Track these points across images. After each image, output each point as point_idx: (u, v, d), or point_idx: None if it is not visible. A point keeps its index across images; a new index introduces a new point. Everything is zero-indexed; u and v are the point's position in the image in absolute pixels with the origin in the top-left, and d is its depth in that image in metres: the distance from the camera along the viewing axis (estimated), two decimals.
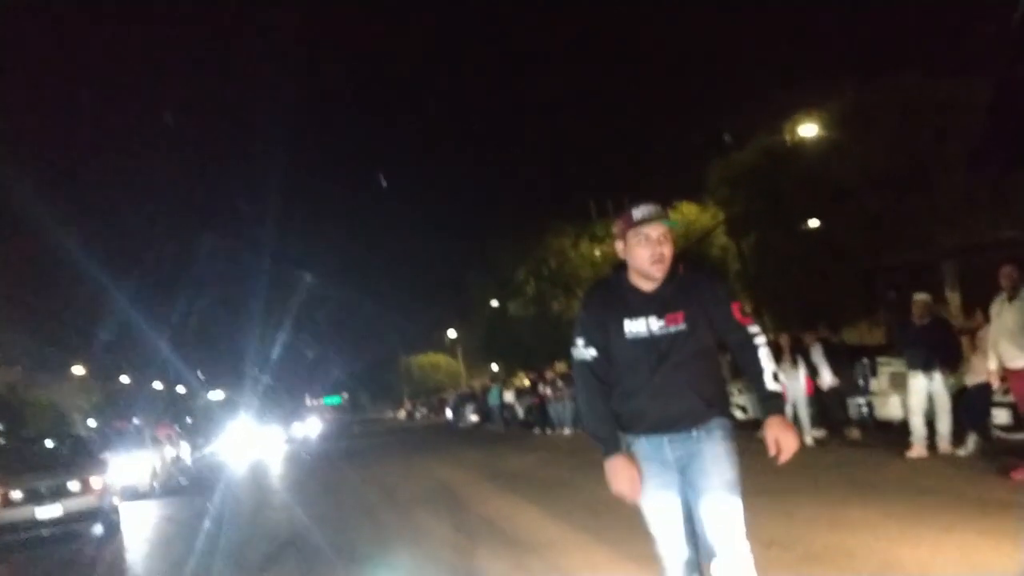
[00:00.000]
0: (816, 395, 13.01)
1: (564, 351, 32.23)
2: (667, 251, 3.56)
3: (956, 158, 20.30)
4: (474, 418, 37.41)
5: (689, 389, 3.55)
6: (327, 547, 8.85)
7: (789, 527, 7.01)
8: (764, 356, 3.56)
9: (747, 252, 26.94)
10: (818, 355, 12.93)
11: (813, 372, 12.91)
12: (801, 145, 23.82)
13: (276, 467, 24.10)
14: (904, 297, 11.98)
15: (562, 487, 11.50)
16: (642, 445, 3.62)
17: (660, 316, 3.55)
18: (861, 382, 13.18)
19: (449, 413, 45.82)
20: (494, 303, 44.29)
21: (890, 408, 12.19)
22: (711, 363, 3.67)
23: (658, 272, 3.55)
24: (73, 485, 11.71)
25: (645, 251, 3.55)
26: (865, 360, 13.30)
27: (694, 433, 3.56)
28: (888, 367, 12.41)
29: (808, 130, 23.20)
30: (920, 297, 10.24)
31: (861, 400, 13.13)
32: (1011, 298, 8.42)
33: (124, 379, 47.97)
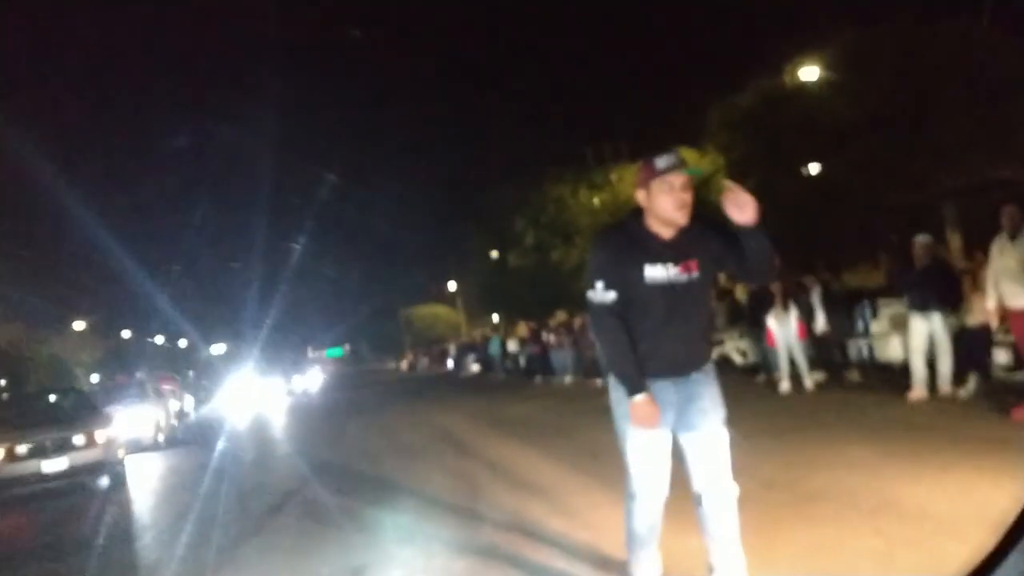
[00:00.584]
0: (813, 339, 13.05)
1: (564, 300, 32.47)
2: (689, 198, 3.70)
3: (957, 98, 20.12)
4: (475, 368, 37.59)
5: (699, 335, 3.86)
6: (330, 495, 8.93)
7: (789, 467, 7.06)
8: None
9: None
10: (816, 299, 12.94)
11: (810, 315, 12.91)
12: (801, 88, 23.61)
13: (278, 419, 24.26)
14: (904, 239, 11.96)
15: (563, 433, 11.57)
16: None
17: (676, 263, 3.70)
18: (861, 324, 13.20)
19: (450, 363, 46.05)
20: (493, 254, 44.22)
21: (891, 350, 12.22)
22: (710, 309, 4.18)
23: (683, 218, 3.69)
24: (78, 439, 11.78)
25: (669, 199, 3.67)
26: (866, 302, 13.31)
27: (694, 376, 3.80)
28: (889, 308, 12.42)
29: (808, 73, 22.98)
30: (921, 239, 10.20)
31: (862, 342, 13.16)
32: (1013, 237, 8.39)
33: (125, 334, 48.14)
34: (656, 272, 3.69)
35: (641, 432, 3.79)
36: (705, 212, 3.84)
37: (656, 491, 3.88)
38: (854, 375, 12.63)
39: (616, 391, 3.88)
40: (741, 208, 3.50)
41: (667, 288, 3.70)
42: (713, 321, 3.89)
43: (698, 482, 3.85)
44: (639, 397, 3.71)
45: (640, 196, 3.78)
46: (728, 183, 3.55)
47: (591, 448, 8.93)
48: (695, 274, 3.73)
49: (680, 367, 3.79)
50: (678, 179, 3.67)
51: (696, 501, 3.90)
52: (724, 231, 3.67)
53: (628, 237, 3.77)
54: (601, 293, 3.72)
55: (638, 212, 3.80)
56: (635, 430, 3.80)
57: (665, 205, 3.68)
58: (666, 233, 3.74)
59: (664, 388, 3.78)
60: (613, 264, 3.72)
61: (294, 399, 36.47)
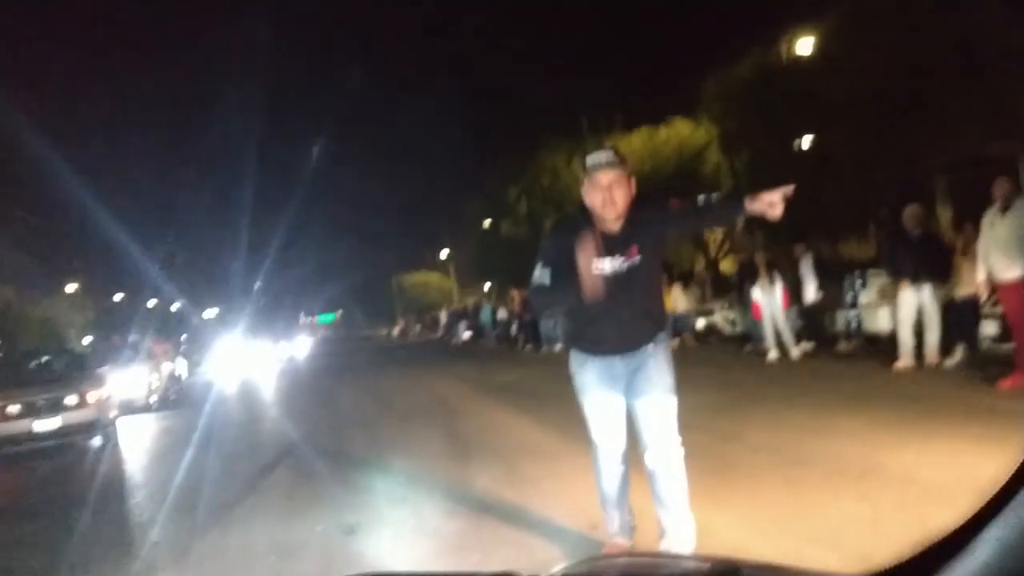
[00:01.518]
0: (801, 308, 13.17)
1: None
2: (619, 195, 3.87)
3: (953, 71, 20.08)
4: (467, 335, 37.68)
5: (644, 316, 4.07)
6: (322, 456, 9.00)
7: (776, 433, 7.15)
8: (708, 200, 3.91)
9: (740, 169, 26.82)
10: (807, 267, 13.04)
11: (798, 285, 13.02)
12: (797, 60, 23.55)
13: (270, 382, 24.32)
14: (895, 213, 12.00)
15: (552, 399, 11.59)
16: (595, 364, 4.13)
17: (620, 254, 3.93)
18: (850, 295, 13.29)
19: (442, 330, 46.14)
20: (486, 223, 44.16)
21: (879, 320, 12.31)
22: (658, 285, 4.30)
23: (609, 214, 3.89)
24: (70, 399, 11.81)
25: (596, 195, 3.90)
26: (857, 272, 13.39)
27: (642, 349, 4.05)
28: (879, 279, 12.51)
29: (804, 45, 22.92)
30: (911, 209, 10.26)
31: (851, 313, 13.25)
32: (1004, 210, 8.43)
33: (118, 296, 48.02)
34: (602, 265, 3.90)
35: (595, 395, 4.17)
36: (647, 192, 4.08)
37: (612, 442, 4.20)
38: (844, 346, 12.73)
39: (573, 362, 4.28)
40: (773, 207, 3.68)
41: (610, 277, 3.91)
42: (660, 299, 3.94)
43: (645, 447, 4.08)
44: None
45: (584, 190, 3.99)
46: (769, 196, 3.70)
47: (580, 414, 9.00)
48: (636, 259, 3.95)
49: (627, 344, 4.05)
50: (605, 177, 3.86)
51: (647, 470, 4.12)
52: (660, 209, 3.99)
53: (574, 229, 3.89)
54: (537, 271, 3.94)
55: (585, 205, 4.01)
56: (589, 393, 4.20)
57: (593, 201, 3.91)
58: (608, 226, 3.94)
59: (613, 363, 4.09)
60: (556, 250, 3.91)
61: (284, 364, 36.51)
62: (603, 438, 4.23)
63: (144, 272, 39.30)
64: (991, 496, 1.12)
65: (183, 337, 35.93)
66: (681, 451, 4.06)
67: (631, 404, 4.10)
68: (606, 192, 3.87)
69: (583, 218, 3.99)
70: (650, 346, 4.05)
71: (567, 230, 3.95)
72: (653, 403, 4.02)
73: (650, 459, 4.06)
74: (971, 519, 1.10)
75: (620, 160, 3.95)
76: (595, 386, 4.15)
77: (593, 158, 3.96)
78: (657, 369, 4.03)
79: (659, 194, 4.44)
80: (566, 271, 3.82)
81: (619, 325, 4.02)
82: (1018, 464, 1.11)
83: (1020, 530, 1.02)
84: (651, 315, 4.12)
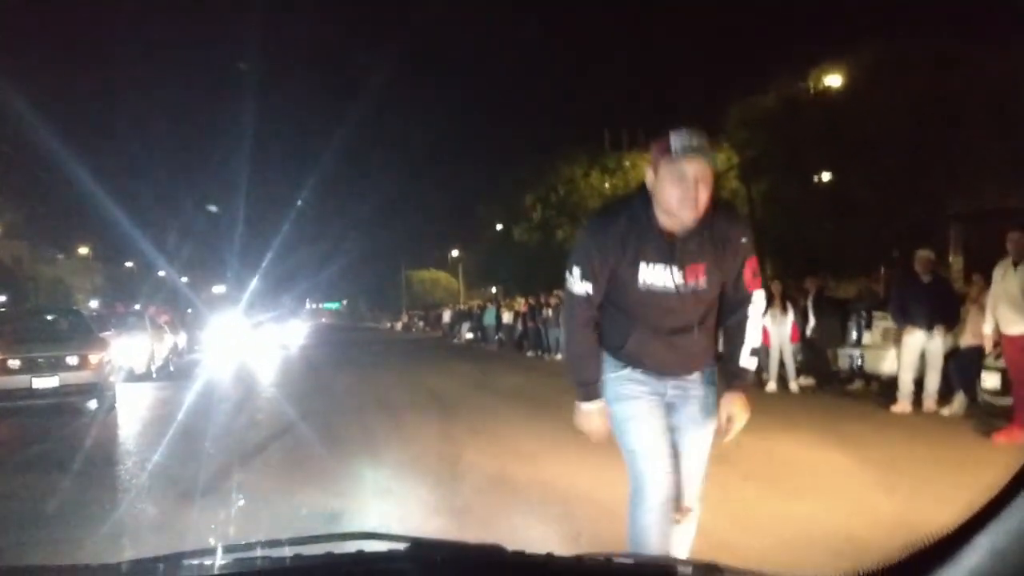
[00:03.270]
0: (805, 343, 13.23)
1: (563, 279, 32.40)
2: (703, 194, 3.04)
3: (980, 123, 20.09)
4: (469, 335, 37.69)
5: (700, 347, 3.33)
6: (315, 442, 9.04)
7: (768, 464, 7.16)
8: (752, 327, 3.30)
9: (757, 198, 26.85)
10: (810, 302, 13.18)
11: (805, 319, 13.10)
12: (824, 95, 23.58)
13: (270, 364, 24.37)
14: (906, 256, 12.01)
15: (548, 405, 11.64)
16: (637, 375, 3.34)
17: (681, 267, 3.13)
18: (855, 334, 13.29)
19: (445, 328, 46.17)
20: (499, 226, 44.24)
21: (882, 362, 12.30)
22: (716, 314, 3.38)
23: (688, 217, 3.06)
24: (71, 359, 11.85)
25: (676, 190, 3.03)
26: (862, 312, 13.40)
27: (691, 377, 3.37)
28: (884, 321, 12.50)
29: (832, 80, 22.95)
30: (923, 253, 10.27)
31: (854, 352, 13.24)
32: (1016, 264, 8.43)
33: (129, 264, 48.20)
34: (654, 275, 3.15)
35: (636, 402, 3.32)
36: (729, 205, 3.47)
37: (661, 453, 3.28)
38: (857, 385, 12.75)
39: (609, 367, 3.39)
40: (731, 430, 3.26)
41: (668, 296, 3.18)
42: (716, 336, 3.57)
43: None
44: (588, 406, 3.38)
45: (648, 177, 3.16)
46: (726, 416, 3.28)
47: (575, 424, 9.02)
48: (703, 283, 3.18)
49: (672, 372, 3.35)
50: (694, 167, 3.01)
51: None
52: (736, 250, 3.24)
53: (629, 225, 3.14)
54: (577, 282, 3.24)
55: (648, 194, 3.17)
56: (630, 401, 3.34)
57: (670, 196, 3.05)
58: (674, 226, 3.12)
59: (658, 380, 3.37)
60: (599, 253, 3.18)
61: (281, 349, 36.52)
62: (649, 449, 3.29)
63: (157, 242, 39.46)
64: (982, 505, 1.15)
65: (188, 311, 36.01)
66: (698, 507, 3.49)
67: (671, 436, 3.38)
68: (691, 186, 3.01)
69: (642, 207, 3.16)
70: (704, 372, 3.38)
71: (621, 224, 3.15)
72: (696, 444, 3.38)
73: (675, 514, 3.35)
74: (962, 526, 1.13)
75: (709, 148, 3.13)
76: (639, 393, 3.33)
77: (681, 139, 3.03)
78: (704, 408, 3.35)
79: (738, 213, 3.57)
80: (612, 278, 3.20)
81: (667, 352, 3.29)
82: (1010, 477, 1.14)
83: (1009, 538, 1.05)
84: (708, 346, 3.38)
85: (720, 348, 3.44)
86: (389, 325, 74.94)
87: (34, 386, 11.55)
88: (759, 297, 3.31)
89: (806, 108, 23.83)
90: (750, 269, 3.25)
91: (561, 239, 36.79)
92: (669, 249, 3.13)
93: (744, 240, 3.24)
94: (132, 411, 12.66)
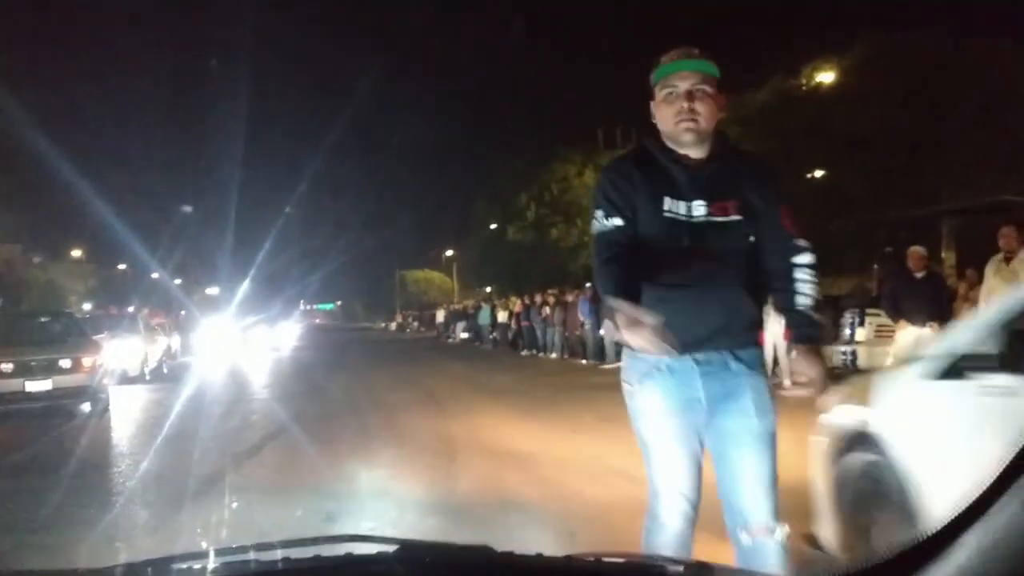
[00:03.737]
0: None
1: (558, 278, 32.48)
2: (702, 108, 2.74)
3: (973, 117, 20.15)
4: (464, 335, 37.70)
5: (736, 299, 2.81)
6: (309, 443, 9.02)
7: None
8: (805, 278, 2.83)
9: None
10: None
11: None
12: (816, 91, 23.63)
13: (263, 366, 24.35)
14: (899, 252, 12.03)
15: (544, 406, 11.68)
16: (662, 379, 2.81)
17: (708, 201, 2.77)
18: (848, 331, 13.33)
19: (439, 328, 46.18)
20: (493, 225, 44.26)
21: (875, 359, 12.33)
22: (754, 273, 2.86)
23: (686, 135, 2.77)
24: (64, 362, 11.83)
25: (670, 108, 2.78)
26: (856, 309, 13.44)
27: (732, 365, 2.81)
28: (876, 318, 12.54)
29: (825, 76, 23.01)
30: (916, 249, 10.28)
31: (847, 349, 13.28)
32: (1008, 260, 8.45)
33: (122, 266, 48.11)
34: (677, 207, 2.78)
35: (657, 420, 2.82)
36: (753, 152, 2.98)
37: (681, 489, 2.81)
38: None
39: (630, 372, 2.92)
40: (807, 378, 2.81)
41: (691, 230, 2.77)
42: (756, 294, 2.76)
43: (731, 513, 2.83)
44: (628, 307, 2.49)
45: (652, 110, 2.91)
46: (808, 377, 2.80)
47: (570, 423, 9.05)
48: (735, 217, 2.78)
49: (708, 338, 2.77)
50: (685, 80, 2.76)
51: (731, 537, 2.84)
52: (764, 191, 2.86)
53: (646, 163, 2.86)
54: (603, 221, 2.82)
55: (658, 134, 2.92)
56: (651, 419, 2.84)
57: (665, 117, 2.81)
58: (693, 153, 2.82)
59: (687, 375, 2.80)
60: (619, 193, 2.81)
61: (277, 351, 36.45)
62: (668, 483, 2.82)
63: (150, 244, 39.39)
64: (969, 502, 1.15)
65: (182, 313, 35.95)
66: (786, 530, 2.77)
67: (714, 448, 2.85)
68: (682, 98, 2.74)
69: (659, 145, 2.87)
70: (745, 355, 2.82)
71: (636, 160, 2.89)
72: (747, 450, 2.79)
73: (747, 536, 2.76)
74: (949, 524, 1.13)
75: (703, 57, 2.82)
76: (661, 410, 2.82)
77: (668, 56, 2.81)
78: (757, 398, 2.80)
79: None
80: (638, 223, 2.79)
81: (697, 305, 2.76)
82: (997, 473, 1.14)
83: (996, 536, 1.05)
84: (746, 308, 2.83)
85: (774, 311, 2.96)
86: (383, 325, 74.92)
87: (27, 389, 11.52)
88: (805, 244, 2.86)
89: (799, 104, 23.90)
90: (787, 215, 2.87)
91: (555, 238, 36.84)
92: (692, 180, 2.79)
93: (773, 180, 2.94)
94: (125, 414, 12.63)
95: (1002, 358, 3.01)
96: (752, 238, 2.82)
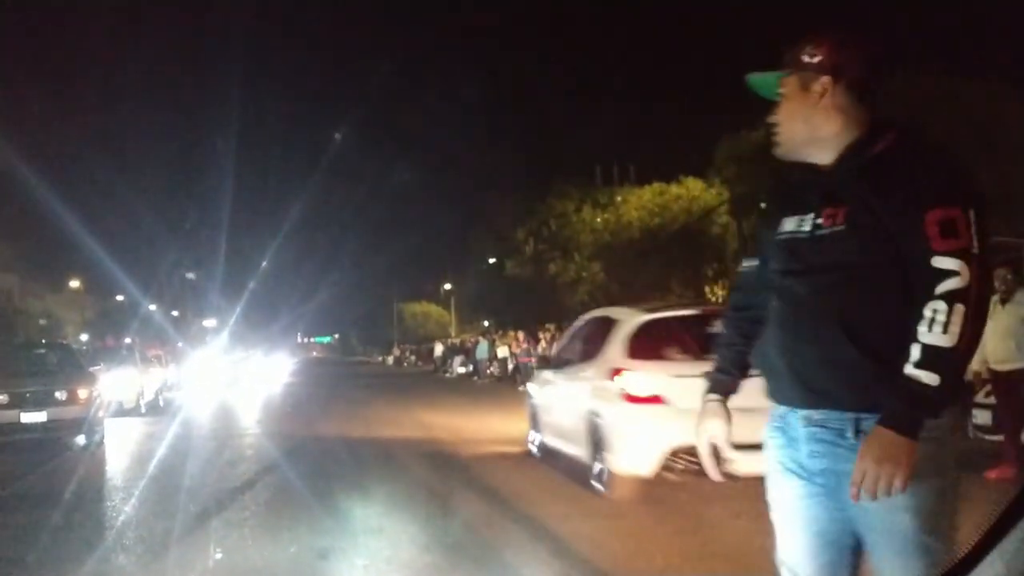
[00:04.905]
0: None
1: (556, 313, 32.46)
2: (783, 113, 2.34)
3: (966, 158, 20.24)
4: (461, 369, 37.61)
5: (840, 338, 2.09)
6: (304, 477, 8.96)
7: (759, 501, 7.09)
8: (935, 313, 1.96)
9: (748, 233, 26.98)
10: None
11: None
12: None
13: (260, 398, 24.26)
14: None
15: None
16: (774, 428, 2.32)
17: (818, 209, 2.20)
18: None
19: (437, 362, 46.07)
20: (491, 260, 44.33)
21: None
22: (883, 294, 2.09)
23: (778, 148, 2.37)
24: (60, 394, 11.78)
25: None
26: None
27: (848, 436, 2.10)
28: None
29: None
30: None
31: None
32: (1004, 301, 8.47)
33: (119, 298, 48.06)
34: (789, 224, 2.28)
35: (772, 477, 2.36)
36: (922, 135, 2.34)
37: (783, 569, 2.34)
38: None
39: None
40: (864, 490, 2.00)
41: (793, 249, 2.24)
42: (901, 313, 1.99)
43: None
44: (705, 399, 2.41)
45: None
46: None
47: (568, 466, 8.99)
48: (839, 227, 2.14)
49: (807, 391, 2.17)
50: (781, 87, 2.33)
51: None
52: (906, 194, 2.08)
53: (788, 176, 2.45)
54: (746, 263, 2.52)
55: None
56: (770, 475, 2.36)
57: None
58: (825, 159, 2.27)
59: (792, 442, 2.26)
60: (764, 221, 2.46)
61: (271, 384, 36.31)
62: (786, 556, 2.34)
63: (147, 277, 39.42)
64: (984, 533, 1.16)
65: (179, 345, 35.89)
66: None
67: (856, 532, 2.18)
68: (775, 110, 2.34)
69: (791, 167, 2.39)
70: (861, 426, 2.07)
71: (782, 178, 2.58)
72: (884, 558, 2.13)
73: None
74: (964, 557, 1.14)
75: (795, 57, 2.28)
76: (774, 466, 2.33)
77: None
78: (892, 510, 2.04)
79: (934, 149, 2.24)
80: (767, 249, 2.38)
81: (792, 344, 2.20)
82: (1006, 505, 1.15)
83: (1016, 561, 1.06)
84: (863, 342, 2.07)
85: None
86: (380, 359, 74.68)
87: (22, 420, 11.47)
88: (951, 265, 1.98)
89: None
90: (935, 222, 2.01)
91: (553, 273, 36.88)
92: (808, 188, 2.28)
93: (924, 178, 2.08)
94: (120, 447, 12.58)
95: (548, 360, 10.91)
96: (866, 252, 2.11)
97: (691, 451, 4.59)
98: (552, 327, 27.74)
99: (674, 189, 32.91)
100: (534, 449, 9.93)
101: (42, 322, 36.51)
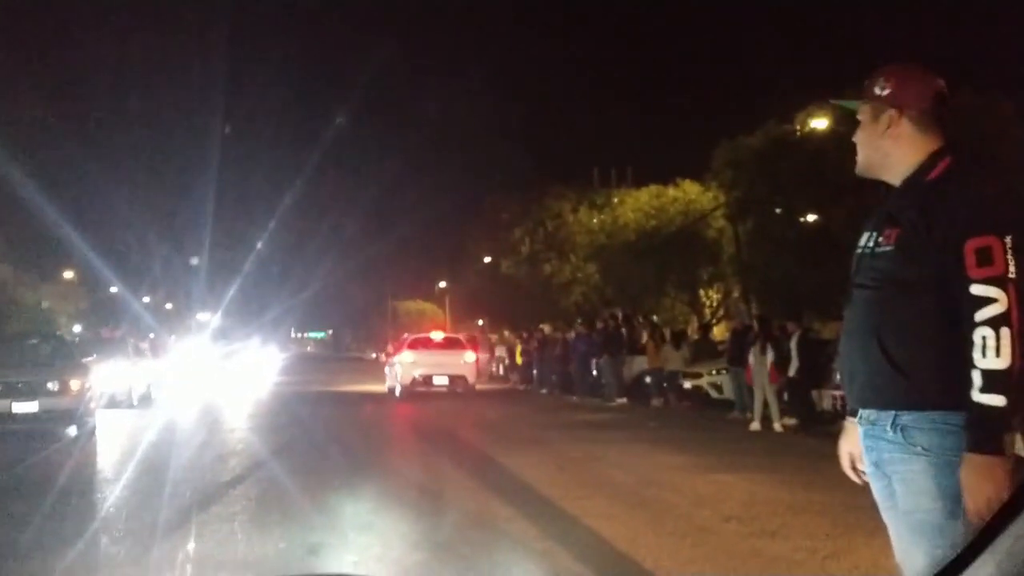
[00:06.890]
0: (787, 383, 13.32)
1: (551, 313, 32.49)
2: (858, 142, 2.62)
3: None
4: None
5: (873, 351, 2.33)
6: (294, 473, 8.94)
7: (750, 505, 7.15)
8: (980, 338, 2.13)
9: (743, 237, 27.01)
10: (794, 344, 13.28)
11: (786, 360, 13.18)
12: (810, 136, 23.84)
13: (252, 394, 24.21)
14: None
15: (532, 442, 11.63)
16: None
17: (881, 229, 2.40)
18: (838, 375, 13.35)
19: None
20: (487, 259, 44.27)
21: None
22: (925, 312, 2.27)
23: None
24: (52, 385, 11.77)
25: None
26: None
27: (889, 432, 2.34)
28: None
29: (819, 122, 23.22)
30: None
31: (837, 393, 13.29)
32: None
33: (113, 289, 47.84)
34: (862, 240, 2.50)
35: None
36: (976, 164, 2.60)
37: None
38: (840, 426, 12.80)
39: None
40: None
41: (858, 261, 2.50)
42: (944, 333, 2.23)
43: None
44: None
45: None
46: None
47: (558, 460, 9.03)
48: (888, 247, 2.34)
49: (855, 394, 2.50)
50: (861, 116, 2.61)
51: None
52: (947, 218, 2.26)
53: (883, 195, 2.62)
54: None
55: None
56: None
57: None
58: (895, 181, 2.51)
59: (862, 435, 2.54)
60: None
61: (264, 378, 36.18)
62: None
63: (142, 268, 39.32)
64: (976, 534, 1.17)
65: (172, 337, 35.79)
66: None
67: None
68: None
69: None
70: (910, 420, 2.28)
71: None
72: (898, 546, 2.44)
73: None
74: (957, 557, 1.15)
75: (868, 88, 2.58)
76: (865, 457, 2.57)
77: None
78: (906, 482, 2.32)
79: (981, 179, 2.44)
80: None
81: (847, 351, 2.52)
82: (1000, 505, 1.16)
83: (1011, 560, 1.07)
84: (900, 357, 2.29)
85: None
86: (374, 356, 74.57)
87: (14, 411, 11.46)
88: (986, 293, 2.14)
89: (792, 149, 24.07)
90: (972, 251, 2.17)
91: (548, 273, 36.85)
92: (881, 206, 2.50)
93: (963, 205, 2.25)
94: (111, 439, 12.55)
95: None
96: (914, 270, 2.29)
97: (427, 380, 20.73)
98: (549, 327, 27.65)
99: (671, 192, 32.95)
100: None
101: (45, 304, 36.38)
